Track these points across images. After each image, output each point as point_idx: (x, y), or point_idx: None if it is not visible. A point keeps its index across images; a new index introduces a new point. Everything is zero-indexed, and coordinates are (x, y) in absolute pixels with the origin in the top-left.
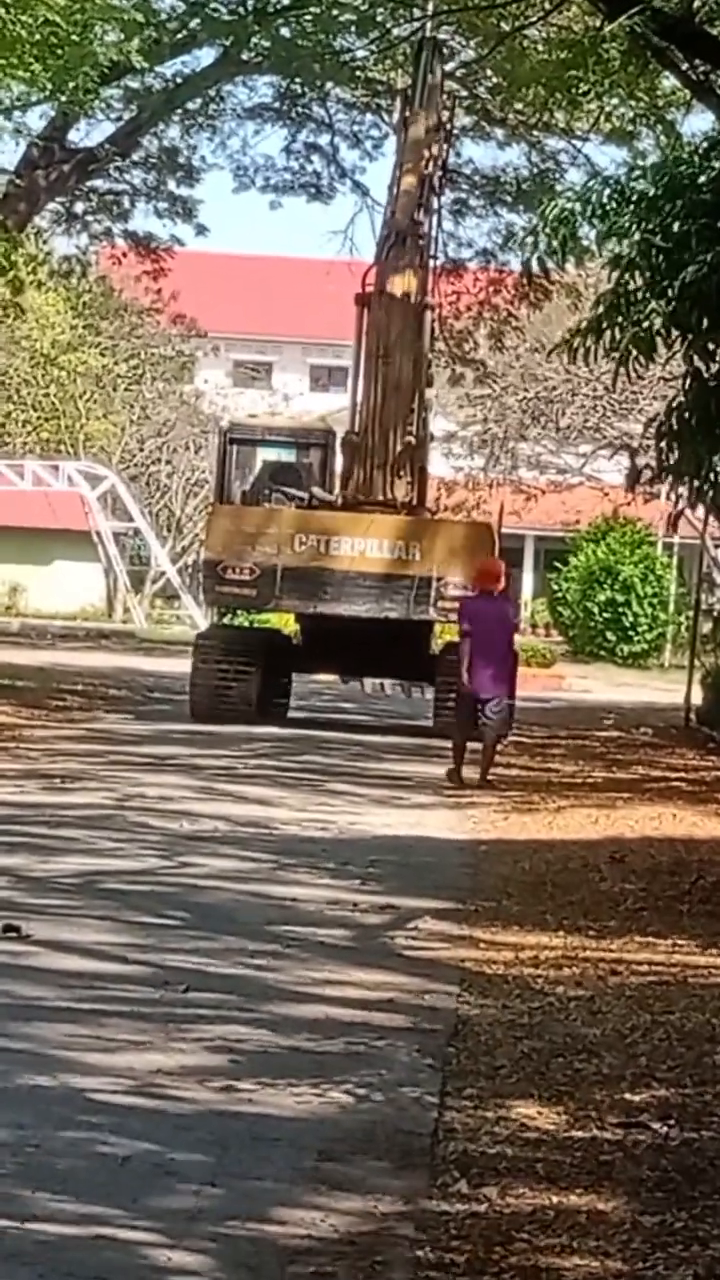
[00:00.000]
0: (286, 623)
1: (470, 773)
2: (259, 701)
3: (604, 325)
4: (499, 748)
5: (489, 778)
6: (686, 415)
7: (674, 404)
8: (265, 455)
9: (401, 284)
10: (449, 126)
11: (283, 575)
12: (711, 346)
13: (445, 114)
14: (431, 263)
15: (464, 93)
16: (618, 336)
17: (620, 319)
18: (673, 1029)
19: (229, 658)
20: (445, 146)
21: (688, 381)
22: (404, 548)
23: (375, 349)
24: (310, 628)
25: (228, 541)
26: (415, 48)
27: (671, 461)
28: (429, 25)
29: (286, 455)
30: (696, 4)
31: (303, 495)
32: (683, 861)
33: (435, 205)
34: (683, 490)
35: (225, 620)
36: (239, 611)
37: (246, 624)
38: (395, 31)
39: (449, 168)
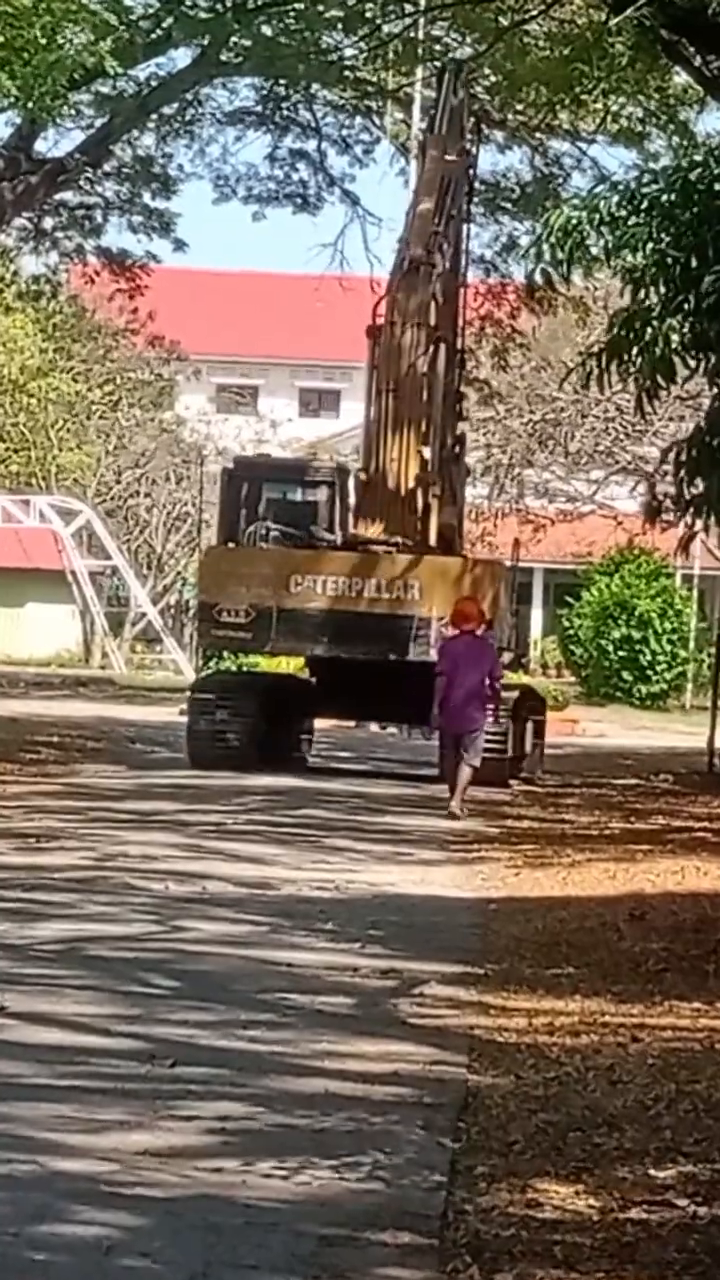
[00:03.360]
0: (280, 665)
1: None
2: (265, 748)
3: (619, 347)
4: (471, 779)
5: (457, 810)
6: (710, 440)
7: (696, 428)
8: (270, 494)
9: (414, 315)
10: (473, 152)
11: (278, 617)
12: None
13: (469, 139)
14: (461, 291)
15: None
16: (634, 359)
17: (635, 338)
18: (699, 1099)
19: (226, 703)
20: (471, 172)
21: (712, 404)
22: (403, 587)
23: (385, 383)
24: (318, 671)
25: (222, 583)
26: (439, 70)
27: (694, 491)
28: (437, 37)
29: (293, 493)
30: None
31: (302, 535)
32: (708, 918)
33: (462, 233)
34: (706, 519)
35: (212, 664)
36: (227, 655)
37: (246, 668)
38: (386, 28)
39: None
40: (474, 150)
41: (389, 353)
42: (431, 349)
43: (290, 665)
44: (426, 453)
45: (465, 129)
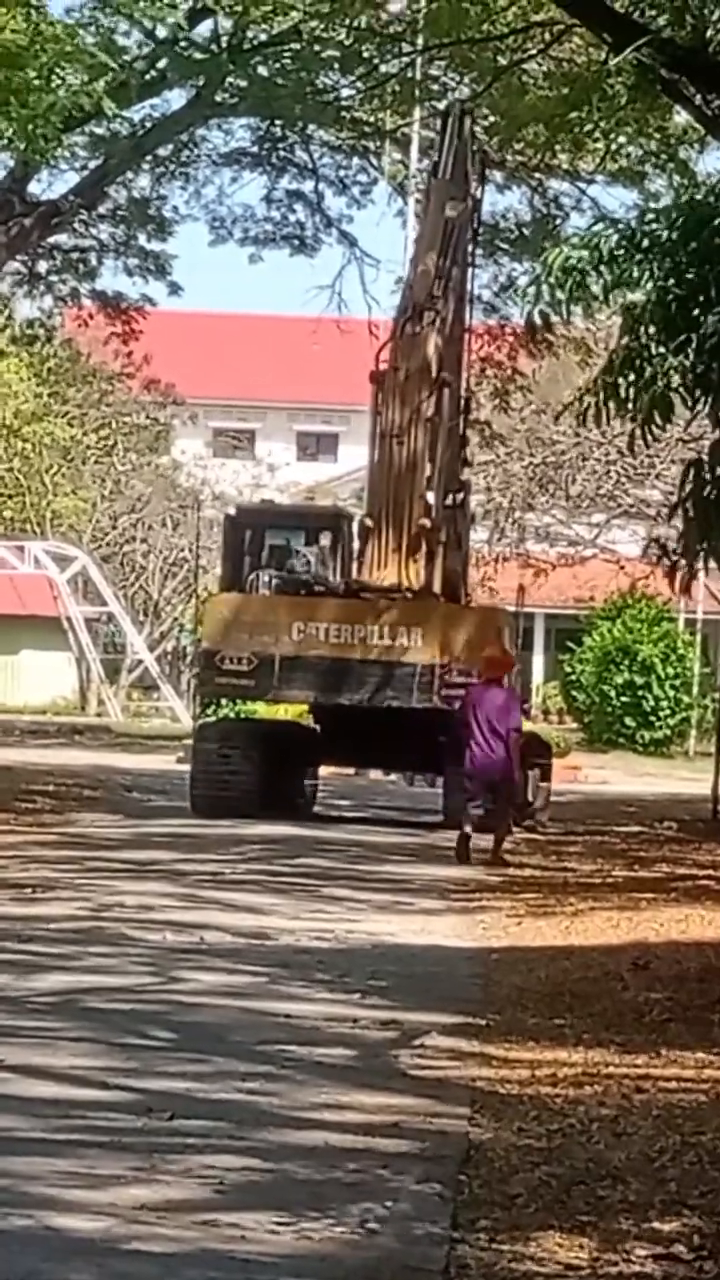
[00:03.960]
0: (278, 712)
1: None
2: (268, 796)
3: (617, 384)
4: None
5: (501, 856)
6: (709, 488)
7: (697, 472)
8: (273, 540)
9: (416, 361)
10: (478, 196)
11: (281, 665)
12: None
13: (474, 183)
14: (466, 336)
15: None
16: (632, 396)
17: (635, 377)
18: (704, 1151)
19: (230, 751)
20: (475, 216)
21: (713, 448)
22: (405, 634)
23: (388, 429)
24: (323, 718)
25: (225, 630)
26: (443, 115)
27: (703, 544)
28: (434, 77)
29: (296, 540)
30: (710, 34)
31: (305, 582)
32: (713, 968)
33: (466, 278)
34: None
35: (210, 711)
36: (226, 702)
37: (244, 714)
38: (383, 68)
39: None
40: (479, 194)
41: (392, 398)
42: (435, 394)
43: (289, 712)
44: (430, 499)
45: (470, 173)
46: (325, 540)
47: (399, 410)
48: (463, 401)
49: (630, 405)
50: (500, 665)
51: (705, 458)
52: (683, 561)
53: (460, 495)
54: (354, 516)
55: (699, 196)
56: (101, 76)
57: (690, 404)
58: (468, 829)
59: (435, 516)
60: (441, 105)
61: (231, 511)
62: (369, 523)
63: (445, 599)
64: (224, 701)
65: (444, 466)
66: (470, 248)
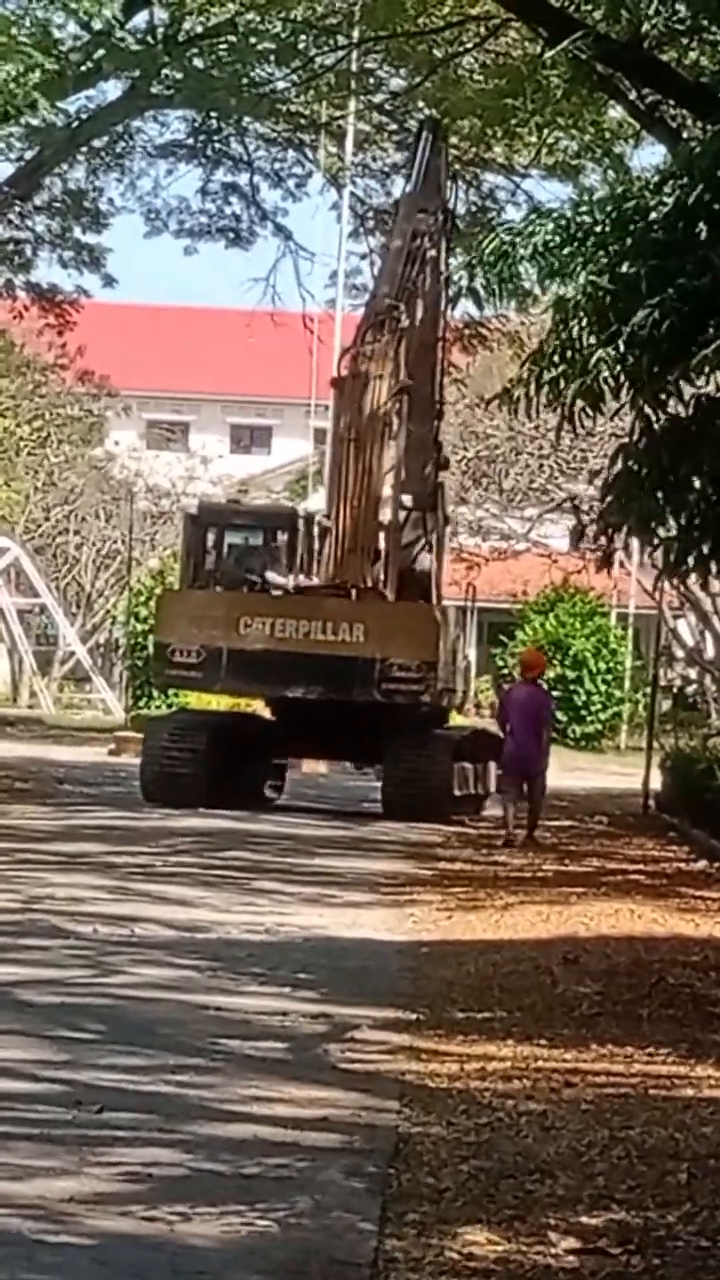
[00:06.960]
0: (213, 703)
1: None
2: (225, 787)
3: (547, 374)
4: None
5: (534, 836)
6: (635, 466)
7: (623, 454)
8: (232, 539)
9: (377, 367)
10: (450, 209)
11: (228, 658)
12: (664, 396)
13: (448, 194)
14: (440, 344)
15: (393, 126)
16: (562, 386)
17: (565, 367)
18: (633, 1146)
19: (177, 741)
20: (447, 226)
21: (637, 433)
22: (347, 630)
23: (347, 433)
24: (276, 710)
25: (176, 624)
26: (416, 127)
27: (619, 517)
28: (370, 70)
29: (254, 539)
30: (645, 29)
31: (257, 580)
32: (642, 962)
33: (439, 288)
34: (627, 544)
35: (142, 704)
36: (158, 694)
37: (176, 706)
38: (318, 60)
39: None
40: (451, 205)
41: (351, 403)
42: (395, 401)
43: (220, 704)
44: (386, 500)
45: (443, 186)
46: (283, 540)
47: (357, 415)
48: (437, 407)
49: (559, 395)
50: (536, 667)
51: (630, 439)
52: (593, 530)
53: (432, 498)
54: (312, 517)
55: (633, 189)
56: (35, 69)
57: (619, 395)
58: (510, 817)
59: (393, 519)
60: (377, 99)
61: (193, 510)
62: (326, 523)
63: (417, 599)
64: (155, 694)
65: (408, 470)
66: (443, 257)
